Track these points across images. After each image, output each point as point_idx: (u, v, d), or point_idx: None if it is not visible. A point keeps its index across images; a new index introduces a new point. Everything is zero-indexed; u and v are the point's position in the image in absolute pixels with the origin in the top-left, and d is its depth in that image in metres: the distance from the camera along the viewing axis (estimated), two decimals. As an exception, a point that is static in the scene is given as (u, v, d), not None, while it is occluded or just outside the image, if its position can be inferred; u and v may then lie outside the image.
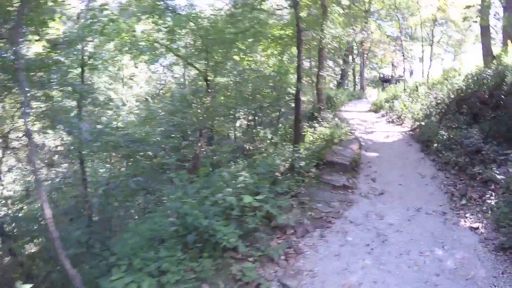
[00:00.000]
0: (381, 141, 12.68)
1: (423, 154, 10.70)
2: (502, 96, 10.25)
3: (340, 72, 35.54)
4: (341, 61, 34.52)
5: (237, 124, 21.94)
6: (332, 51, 27.99)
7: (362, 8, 30.34)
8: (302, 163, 8.59)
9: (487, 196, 6.91)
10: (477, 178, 7.75)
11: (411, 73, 40.21)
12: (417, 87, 19.14)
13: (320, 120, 14.04)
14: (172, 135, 16.07)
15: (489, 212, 6.44)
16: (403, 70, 25.52)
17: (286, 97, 18.47)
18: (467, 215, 6.63)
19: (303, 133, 12.11)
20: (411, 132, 13.42)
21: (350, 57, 35.26)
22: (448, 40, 29.22)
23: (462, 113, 11.98)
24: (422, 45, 23.49)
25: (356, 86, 36.55)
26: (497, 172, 7.37)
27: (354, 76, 38.03)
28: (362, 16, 29.82)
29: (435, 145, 10.53)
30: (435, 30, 24.33)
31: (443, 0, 21.41)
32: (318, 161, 9.05)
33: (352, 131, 13.66)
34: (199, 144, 15.44)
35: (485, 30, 17.22)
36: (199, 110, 15.45)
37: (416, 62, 39.99)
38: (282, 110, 20.08)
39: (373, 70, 43.76)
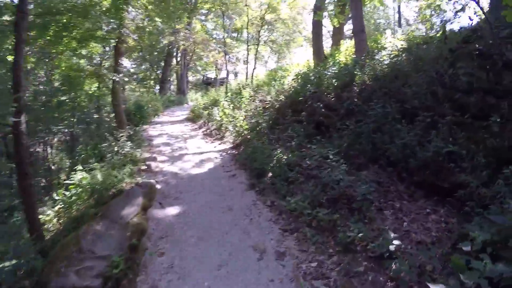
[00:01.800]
0: (192, 171, 8.03)
1: (254, 193, 6.51)
2: (355, 100, 6.65)
3: (161, 75, 30.15)
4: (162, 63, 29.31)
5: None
6: (139, 47, 22.39)
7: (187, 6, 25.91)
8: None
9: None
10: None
11: (236, 75, 38.09)
12: (240, 89, 15.37)
13: (105, 148, 8.48)
14: None
15: None
16: (227, 71, 21.77)
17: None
18: None
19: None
20: (234, 151, 9.15)
21: (175, 59, 30.15)
22: (276, 40, 26.95)
23: (301, 121, 8.17)
24: (248, 45, 20.00)
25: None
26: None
27: (178, 80, 33.03)
28: (182, 9, 25.25)
29: (270, 176, 6.38)
30: (262, 30, 21.34)
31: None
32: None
33: (150, 160, 8.48)
34: None
35: (316, 28, 14.64)
36: None
37: (241, 64, 38.15)
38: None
39: (198, 73, 39.83)
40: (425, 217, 4.34)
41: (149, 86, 32.87)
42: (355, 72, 8.80)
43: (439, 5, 14.28)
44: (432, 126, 5.46)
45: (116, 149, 8.43)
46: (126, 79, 10.17)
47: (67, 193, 6.38)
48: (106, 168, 6.98)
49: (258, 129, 9.32)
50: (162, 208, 5.94)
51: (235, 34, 33.42)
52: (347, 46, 13.70)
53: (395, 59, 8.18)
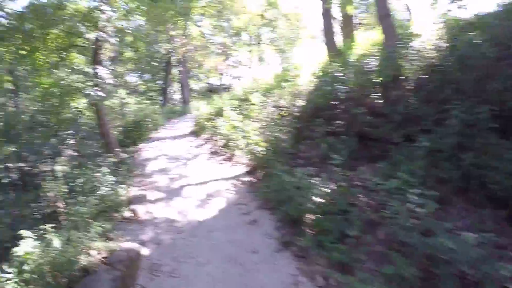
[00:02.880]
0: (196, 217, 5.68)
1: (290, 258, 4.06)
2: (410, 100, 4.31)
3: (162, 86, 27.90)
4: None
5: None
6: (135, 58, 20.07)
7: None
8: None
9: None
10: None
11: (239, 79, 35.72)
12: (246, 94, 12.99)
13: (80, 185, 6.17)
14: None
15: None
16: (231, 77, 19.37)
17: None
18: None
19: None
20: (249, 178, 6.77)
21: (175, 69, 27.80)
22: (279, 38, 24.30)
23: (335, 133, 5.89)
24: (250, 46, 17.51)
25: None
26: None
27: (182, 89, 30.57)
28: (174, 11, 22.95)
29: (311, 223, 4.08)
30: (264, 30, 18.89)
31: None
32: None
33: (137, 201, 6.08)
34: None
35: (327, 18, 12.24)
36: None
37: (244, 67, 35.76)
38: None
39: (200, 81, 37.45)
40: None
41: (152, 98, 30.68)
42: (400, 63, 6.40)
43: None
44: None
45: (91, 185, 6.05)
46: (103, 94, 7.76)
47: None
48: (69, 227, 4.60)
49: (278, 147, 6.91)
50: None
51: (235, 38, 31.07)
52: (364, 37, 11.37)
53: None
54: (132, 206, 5.78)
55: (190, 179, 7.43)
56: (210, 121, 12.33)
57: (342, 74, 7.49)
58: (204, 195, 6.42)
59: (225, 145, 9.29)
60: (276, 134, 7.46)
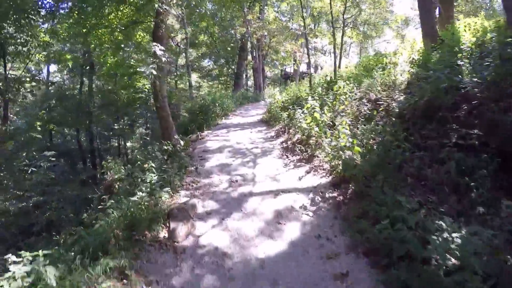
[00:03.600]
0: (256, 252, 3.78)
1: None
2: None
3: (235, 70, 26.59)
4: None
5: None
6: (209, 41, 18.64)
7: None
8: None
9: None
10: None
11: (316, 68, 32.95)
12: (329, 83, 10.82)
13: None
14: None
15: None
16: (308, 62, 17.10)
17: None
18: None
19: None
20: (335, 194, 4.69)
21: (250, 55, 26.22)
22: (368, 20, 20.88)
23: (467, 147, 3.49)
24: (331, 31, 14.84)
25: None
26: None
27: (255, 75, 28.94)
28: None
29: None
30: (348, 12, 16.07)
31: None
32: None
33: (180, 215, 4.35)
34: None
35: (425, 3, 9.44)
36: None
37: (324, 54, 32.98)
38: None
39: (275, 68, 35.52)
40: None
41: (224, 82, 29.65)
42: None
43: None
44: None
45: (127, 189, 4.51)
46: (159, 73, 6.10)
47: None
48: (75, 252, 3.06)
49: (380, 157, 4.70)
50: None
51: (315, 22, 28.31)
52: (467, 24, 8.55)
53: None
54: (172, 223, 4.07)
55: (256, 186, 5.56)
56: (285, 111, 10.35)
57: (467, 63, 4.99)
58: (272, 213, 4.51)
59: (302, 142, 7.26)
60: (376, 137, 5.26)
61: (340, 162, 5.28)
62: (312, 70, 33.03)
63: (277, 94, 15.70)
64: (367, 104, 7.53)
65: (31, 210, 10.03)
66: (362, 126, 6.21)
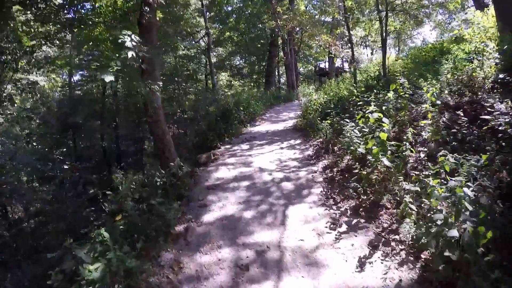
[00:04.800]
0: None
1: None
2: None
3: (265, 68, 23.77)
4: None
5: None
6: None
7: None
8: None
9: None
10: None
11: (352, 63, 29.21)
12: (378, 80, 7.99)
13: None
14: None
15: None
16: (352, 55, 13.98)
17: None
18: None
19: None
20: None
21: (282, 50, 23.15)
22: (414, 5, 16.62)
23: None
24: (381, 10, 11.45)
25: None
26: None
27: (288, 72, 25.54)
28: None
29: None
30: None
31: None
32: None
33: None
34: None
35: None
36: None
37: (363, 48, 29.41)
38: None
39: (309, 64, 32.13)
40: None
41: (256, 81, 26.89)
42: None
43: None
44: None
45: None
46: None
47: None
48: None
49: None
50: None
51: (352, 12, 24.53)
52: None
53: None
54: None
55: (281, 281, 2.88)
56: (324, 118, 7.49)
57: None
58: None
59: (355, 170, 4.42)
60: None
61: (436, 241, 2.49)
62: (346, 65, 29.47)
63: (312, 93, 12.80)
64: (455, 116, 4.63)
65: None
66: (465, 163, 3.31)
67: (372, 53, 30.45)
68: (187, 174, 5.38)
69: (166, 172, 5.39)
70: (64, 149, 14.35)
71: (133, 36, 4.42)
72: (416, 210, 3.31)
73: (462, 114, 4.46)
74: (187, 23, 16.79)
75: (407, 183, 3.70)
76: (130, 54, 4.06)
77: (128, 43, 4.18)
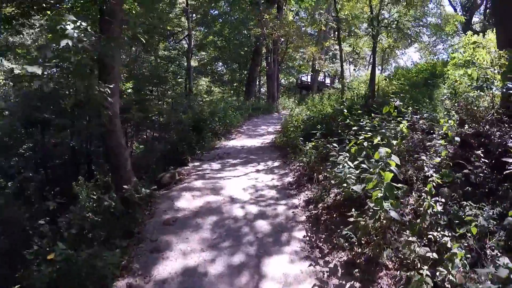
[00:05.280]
0: None
1: None
2: None
3: (247, 76, 22.83)
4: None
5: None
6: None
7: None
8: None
9: None
10: None
11: (334, 78, 28.97)
12: (366, 99, 7.31)
13: None
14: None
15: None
16: (341, 69, 13.28)
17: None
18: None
19: None
20: None
21: (266, 60, 22.29)
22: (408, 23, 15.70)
23: None
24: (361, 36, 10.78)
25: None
26: None
27: (269, 83, 24.55)
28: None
29: None
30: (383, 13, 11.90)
31: None
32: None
33: None
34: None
35: None
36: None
37: (348, 63, 29.06)
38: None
39: (291, 76, 31.44)
40: None
41: (236, 88, 25.93)
42: None
43: None
44: None
45: None
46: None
47: None
48: None
49: None
50: None
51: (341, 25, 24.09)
52: None
53: None
54: None
55: None
56: (308, 138, 6.58)
57: None
58: None
59: (347, 210, 3.51)
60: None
61: None
62: (327, 80, 29.09)
63: (294, 108, 11.98)
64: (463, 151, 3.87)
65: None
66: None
67: (355, 70, 30.25)
68: (143, 200, 4.32)
69: (118, 196, 4.33)
70: (31, 144, 12.91)
71: (80, 23, 3.37)
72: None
73: (477, 152, 3.68)
74: (172, 22, 15.82)
75: (417, 242, 2.82)
76: (63, 43, 3.02)
77: (70, 31, 3.14)
